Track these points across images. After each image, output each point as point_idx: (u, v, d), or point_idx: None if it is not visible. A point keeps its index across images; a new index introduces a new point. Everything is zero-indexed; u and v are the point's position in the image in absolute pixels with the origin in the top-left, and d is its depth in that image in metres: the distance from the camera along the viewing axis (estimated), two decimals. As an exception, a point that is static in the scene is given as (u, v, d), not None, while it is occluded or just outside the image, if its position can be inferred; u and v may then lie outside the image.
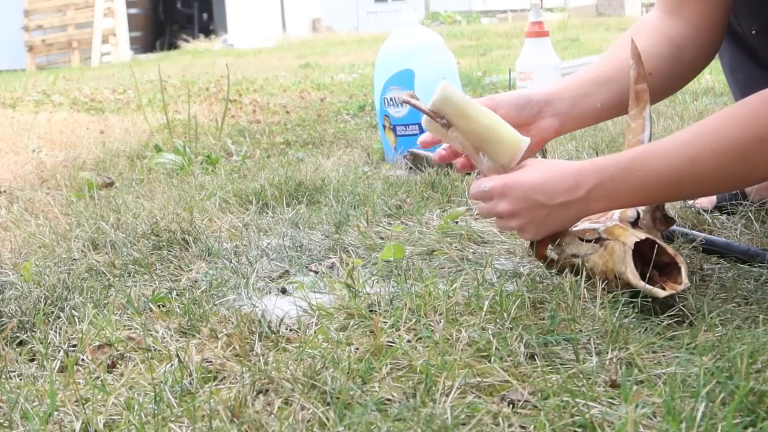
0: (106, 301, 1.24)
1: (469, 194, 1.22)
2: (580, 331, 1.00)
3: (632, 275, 1.06)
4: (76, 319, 1.16)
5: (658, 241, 1.10)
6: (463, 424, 0.80)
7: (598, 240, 1.15)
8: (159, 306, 1.21)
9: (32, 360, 1.07)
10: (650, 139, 1.24)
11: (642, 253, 1.10)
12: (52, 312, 1.20)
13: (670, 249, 1.10)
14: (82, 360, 1.04)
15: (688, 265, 1.23)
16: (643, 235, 1.10)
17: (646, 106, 1.27)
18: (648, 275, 1.09)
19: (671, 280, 1.08)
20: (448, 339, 0.99)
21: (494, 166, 1.20)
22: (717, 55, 1.50)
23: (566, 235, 1.19)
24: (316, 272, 1.33)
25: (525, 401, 0.85)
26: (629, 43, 1.28)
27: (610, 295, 1.07)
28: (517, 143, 1.17)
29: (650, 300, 1.05)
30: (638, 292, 1.06)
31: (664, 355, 0.94)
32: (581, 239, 1.17)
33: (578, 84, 1.30)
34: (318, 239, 1.52)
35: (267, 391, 0.90)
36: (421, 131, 2.31)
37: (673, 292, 1.05)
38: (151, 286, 1.32)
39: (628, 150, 1.16)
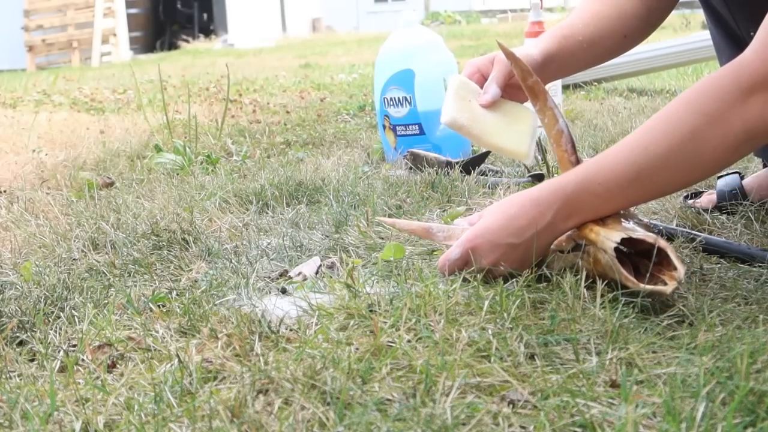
0: (106, 301, 1.24)
1: (439, 269, 1.22)
2: (580, 331, 1.00)
3: (629, 281, 1.05)
4: (76, 319, 1.16)
5: (632, 235, 1.08)
6: (463, 424, 0.80)
7: (576, 247, 1.14)
8: (159, 306, 1.21)
9: (32, 360, 1.07)
10: (567, 124, 1.28)
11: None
12: (52, 312, 1.20)
13: (648, 237, 1.07)
14: (82, 360, 1.03)
15: (688, 265, 1.23)
16: (616, 236, 1.08)
17: (546, 96, 1.29)
18: (649, 272, 1.07)
19: (666, 268, 1.06)
20: (448, 339, 0.99)
21: (450, 233, 1.29)
22: (716, 56, 1.51)
23: (548, 254, 1.18)
24: (317, 272, 1.33)
25: (525, 401, 0.85)
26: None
27: (610, 295, 1.07)
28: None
29: (651, 299, 1.05)
30: (638, 291, 1.05)
31: (664, 355, 0.94)
32: (560, 252, 1.17)
33: (568, 47, 1.43)
34: (318, 239, 1.52)
35: (267, 391, 0.90)
36: (422, 132, 2.32)
37: (676, 284, 1.03)
38: (151, 286, 1.32)
39: (581, 164, 1.18)
